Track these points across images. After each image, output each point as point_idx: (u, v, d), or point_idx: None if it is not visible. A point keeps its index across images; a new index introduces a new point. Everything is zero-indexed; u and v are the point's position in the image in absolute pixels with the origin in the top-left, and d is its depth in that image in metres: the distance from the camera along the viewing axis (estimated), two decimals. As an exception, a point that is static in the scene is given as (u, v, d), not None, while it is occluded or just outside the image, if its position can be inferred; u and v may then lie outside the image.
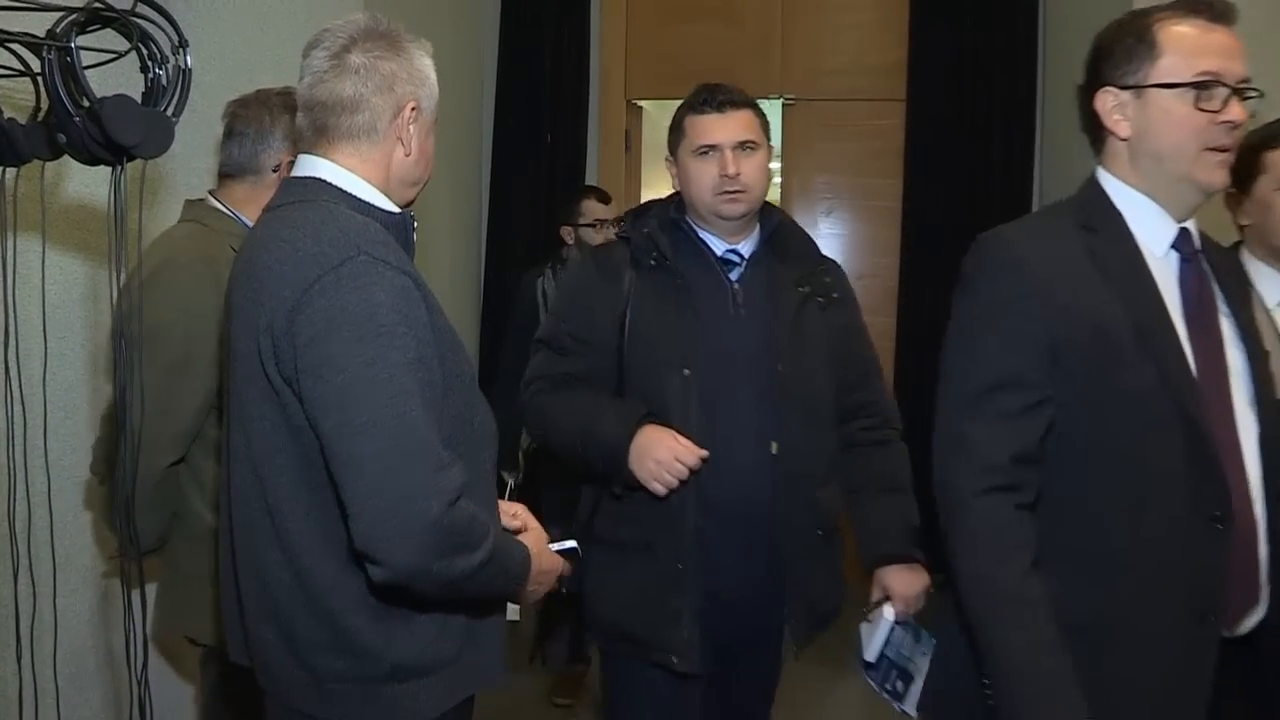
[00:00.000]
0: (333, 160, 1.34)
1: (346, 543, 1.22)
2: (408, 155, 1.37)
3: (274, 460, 1.28)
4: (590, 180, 4.55)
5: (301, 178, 1.35)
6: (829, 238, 4.56)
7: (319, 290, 1.19)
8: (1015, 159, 4.17)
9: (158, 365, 1.62)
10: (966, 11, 4.15)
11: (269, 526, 1.29)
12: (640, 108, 4.83)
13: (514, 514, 1.50)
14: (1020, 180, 4.17)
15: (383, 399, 1.17)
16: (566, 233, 3.34)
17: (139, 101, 1.16)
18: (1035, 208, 4.18)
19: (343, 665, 1.29)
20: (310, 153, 1.36)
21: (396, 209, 1.37)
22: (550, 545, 1.51)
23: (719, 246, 1.84)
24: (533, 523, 1.50)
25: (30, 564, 1.52)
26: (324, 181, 1.33)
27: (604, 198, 3.35)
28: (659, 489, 1.70)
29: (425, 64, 1.39)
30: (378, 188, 1.36)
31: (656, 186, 5.15)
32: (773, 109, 4.77)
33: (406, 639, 1.30)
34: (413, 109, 1.36)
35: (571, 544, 1.57)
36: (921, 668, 1.77)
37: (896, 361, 4.17)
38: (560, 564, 1.50)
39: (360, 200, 1.33)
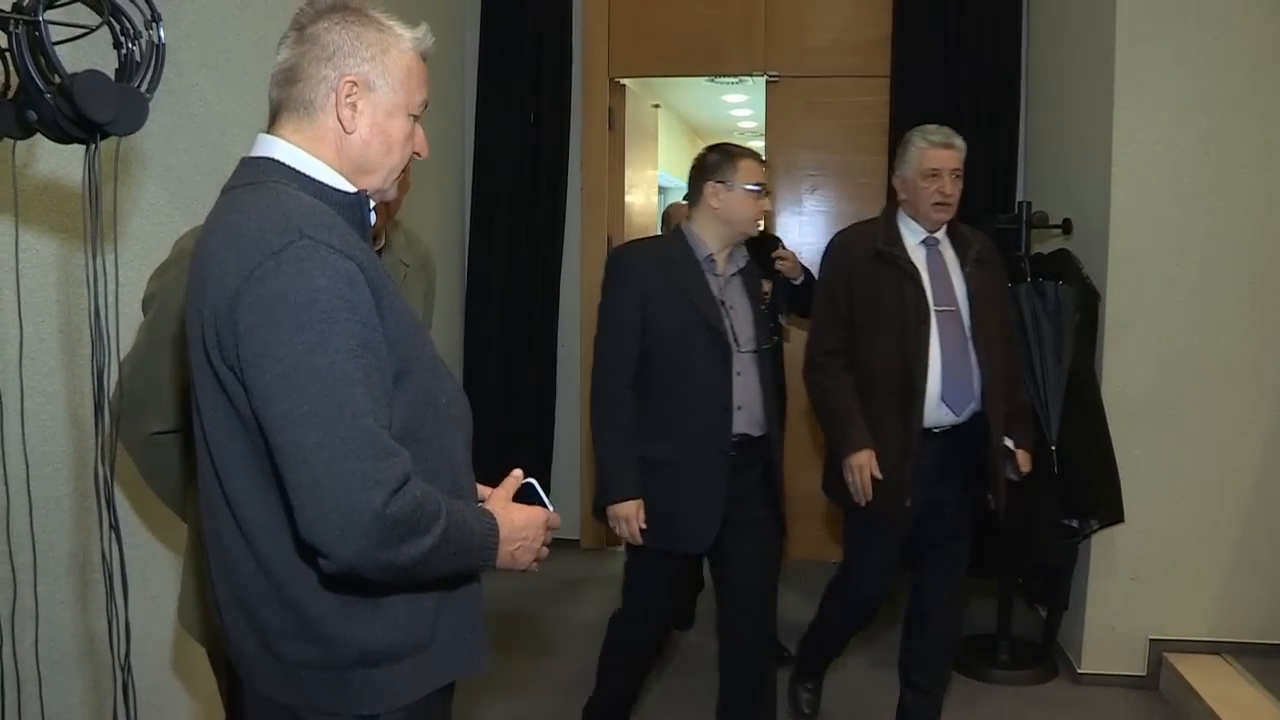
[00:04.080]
0: (283, 137, 1.28)
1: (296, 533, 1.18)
2: (350, 133, 1.28)
3: (227, 448, 1.24)
4: (573, 158, 4.53)
5: (255, 158, 1.29)
6: (814, 215, 4.56)
7: (259, 277, 1.14)
8: (1000, 134, 4.17)
9: (150, 334, 1.64)
10: (950, -14, 4.13)
11: (229, 515, 1.27)
12: (623, 86, 4.79)
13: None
14: (1005, 156, 4.17)
15: (323, 388, 1.13)
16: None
17: (111, 78, 1.14)
18: (1020, 183, 4.18)
19: (310, 652, 1.27)
20: (268, 132, 1.30)
21: (352, 188, 1.30)
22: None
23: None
24: (494, 490, 1.44)
25: (10, 551, 1.51)
26: (275, 161, 1.27)
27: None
28: None
29: (388, 39, 1.29)
30: (331, 166, 1.29)
31: (638, 165, 5.12)
32: (756, 86, 4.75)
33: (374, 624, 1.27)
34: (350, 84, 1.26)
35: (527, 480, 1.46)
36: None
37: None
38: (539, 514, 1.41)
39: (311, 179, 1.27)
